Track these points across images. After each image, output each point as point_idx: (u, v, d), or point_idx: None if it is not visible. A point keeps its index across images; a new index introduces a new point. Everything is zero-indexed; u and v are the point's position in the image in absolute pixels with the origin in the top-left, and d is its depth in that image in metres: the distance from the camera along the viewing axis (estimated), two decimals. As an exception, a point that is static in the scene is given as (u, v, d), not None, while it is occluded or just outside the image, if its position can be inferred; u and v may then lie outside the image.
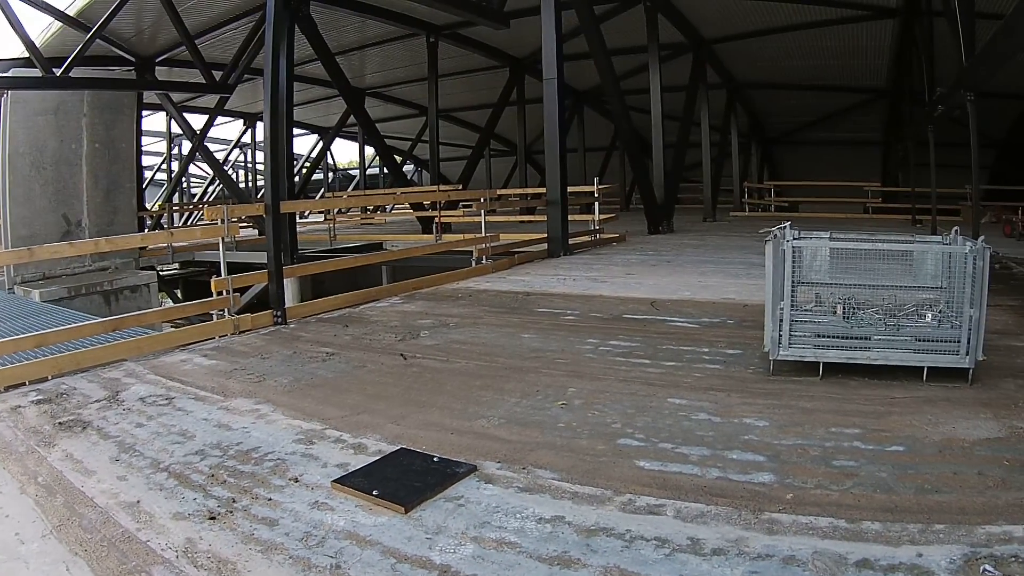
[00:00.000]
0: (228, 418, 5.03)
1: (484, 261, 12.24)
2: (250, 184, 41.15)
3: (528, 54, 25.09)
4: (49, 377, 6.46)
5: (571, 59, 15.86)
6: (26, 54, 16.82)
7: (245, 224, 24.95)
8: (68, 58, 16.71)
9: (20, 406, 5.67)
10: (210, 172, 34.75)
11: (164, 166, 39.78)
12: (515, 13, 16.78)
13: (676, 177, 20.33)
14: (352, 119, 29.12)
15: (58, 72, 16.42)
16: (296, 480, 3.91)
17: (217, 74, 21.22)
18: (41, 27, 20.26)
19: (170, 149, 37.98)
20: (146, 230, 27.03)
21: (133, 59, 22.88)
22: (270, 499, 3.69)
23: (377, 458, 4.14)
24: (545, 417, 4.73)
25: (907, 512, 3.26)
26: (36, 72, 16.58)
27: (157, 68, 23.82)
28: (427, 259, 14.25)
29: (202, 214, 29.20)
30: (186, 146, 32.55)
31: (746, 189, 27.12)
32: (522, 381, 5.57)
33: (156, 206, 31.77)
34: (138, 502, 3.72)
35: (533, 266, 12.65)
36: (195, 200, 41.25)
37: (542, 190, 15.78)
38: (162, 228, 28.12)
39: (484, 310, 8.78)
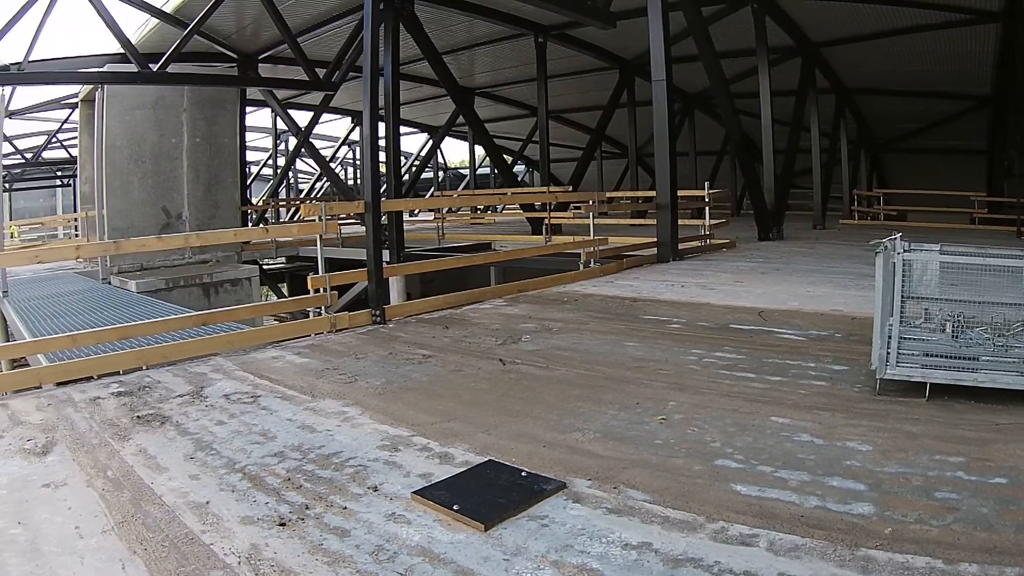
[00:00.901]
0: (313, 419, 4.94)
1: (592, 264, 12.02)
2: (359, 181, 41.68)
3: (637, 55, 24.72)
4: (141, 368, 6.52)
5: (680, 61, 15.66)
6: (122, 50, 17.22)
7: (352, 221, 25.27)
8: (165, 54, 17.05)
9: (99, 398, 5.71)
10: (318, 169, 35.33)
11: (270, 162, 40.74)
12: (622, 14, 16.54)
13: (786, 183, 19.88)
14: (462, 118, 29.14)
15: (154, 68, 16.76)
16: (375, 489, 3.76)
17: (321, 72, 21.43)
18: (137, 24, 20.88)
19: (276, 145, 38.87)
20: (249, 225, 27.71)
21: (235, 56, 23.31)
22: (345, 508, 3.54)
23: (463, 470, 3.96)
24: (642, 432, 4.50)
25: (1006, 554, 2.96)
26: (132, 68, 16.97)
27: (260, 65, 24.25)
28: (535, 260, 14.12)
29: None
30: (293, 142, 33.17)
31: (855, 196, 26.50)
32: (622, 392, 5.35)
33: (260, 201, 32.55)
34: (207, 503, 3.64)
35: (641, 271, 12.40)
36: (301, 196, 42.23)
37: (652, 193, 15.50)
38: (266, 223, 28.83)
39: (589, 315, 8.57)
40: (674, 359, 6.32)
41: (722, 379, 5.63)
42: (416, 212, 31.94)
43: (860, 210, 25.79)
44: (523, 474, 3.86)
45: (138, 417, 5.14)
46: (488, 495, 3.59)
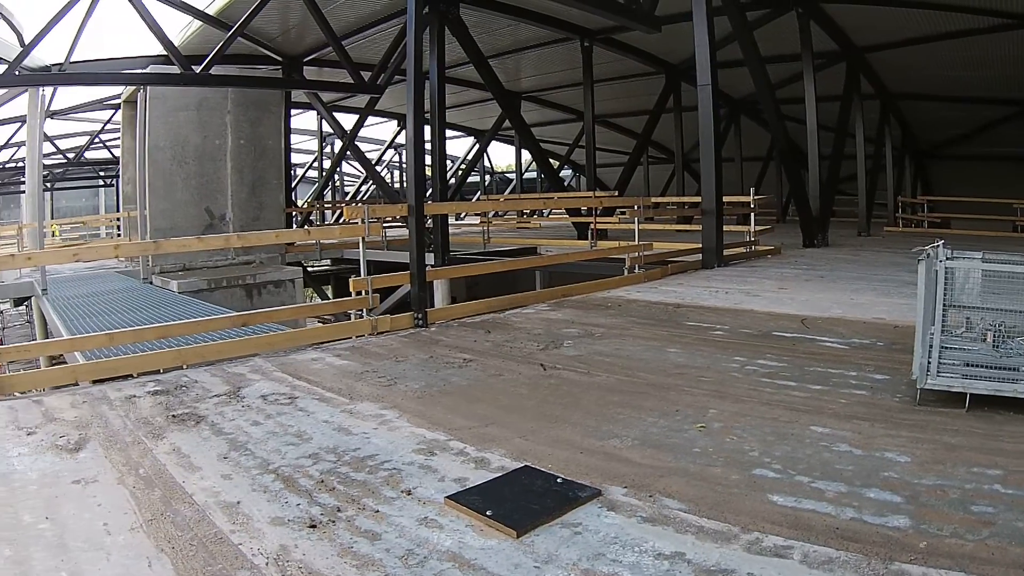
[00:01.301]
0: (350, 422, 4.93)
1: (637, 270, 11.95)
2: (404, 184, 41.65)
3: (683, 60, 24.62)
4: (179, 368, 6.56)
5: (725, 66, 15.53)
6: (164, 52, 17.40)
7: (397, 224, 25.36)
8: (208, 56, 17.21)
9: (135, 396, 5.75)
10: (364, 171, 35.57)
11: (316, 164, 41.09)
12: (668, 19, 16.41)
13: (831, 189, 19.75)
14: (508, 122, 29.14)
15: (197, 70, 16.92)
16: (408, 493, 3.73)
17: (366, 75, 21.52)
18: (179, 26, 21.05)
19: (321, 148, 39.16)
20: (293, 226, 27.94)
21: (280, 59, 23.44)
22: (377, 511, 3.51)
23: (498, 475, 3.92)
24: (681, 440, 4.43)
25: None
26: (174, 69, 17.17)
27: (305, 68, 24.34)
28: (579, 265, 14.04)
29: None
30: (339, 145, 33.40)
31: (900, 203, 26.13)
32: (662, 399, 5.28)
33: (305, 204, 32.80)
34: (238, 503, 3.63)
35: (686, 277, 12.29)
36: (347, 199, 42.50)
37: (697, 199, 15.39)
38: (311, 225, 29.01)
39: (632, 321, 8.50)
40: (716, 366, 6.26)
41: (763, 387, 5.57)
42: (462, 215, 31.95)
43: (904, 217, 25.65)
44: (558, 480, 3.81)
45: (173, 416, 5.16)
46: (522, 501, 3.54)
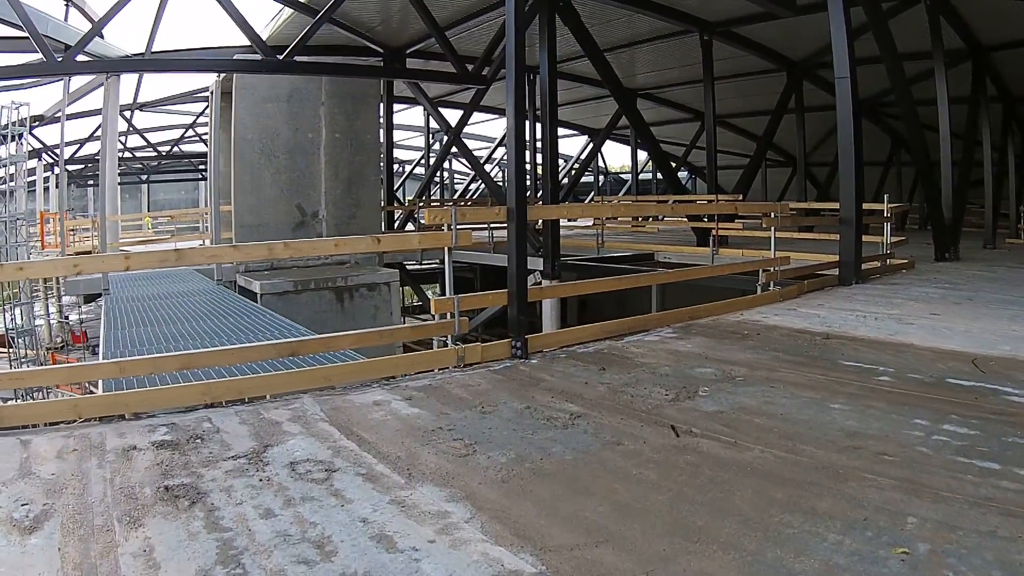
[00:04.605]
0: (398, 524, 3.40)
1: (772, 287, 10.27)
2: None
3: (806, 56, 23.53)
4: (207, 406, 5.22)
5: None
6: (249, 43, 16.78)
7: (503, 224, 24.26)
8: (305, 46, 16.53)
9: (135, 447, 4.47)
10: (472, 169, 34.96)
11: (423, 161, 40.68)
12: (802, 8, 15.36)
13: (964, 199, 18.26)
14: (623, 121, 28.49)
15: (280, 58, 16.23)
16: None
17: (472, 68, 20.74)
18: (268, 17, 20.56)
19: (428, 144, 38.39)
20: (395, 224, 26.98)
21: (381, 50, 22.61)
22: None
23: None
24: (879, 579, 2.89)
25: None
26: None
27: (409, 60, 23.55)
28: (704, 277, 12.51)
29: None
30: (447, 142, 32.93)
31: (1022, 214, 24.72)
32: (841, 495, 3.67)
33: (410, 201, 32.11)
34: None
35: (824, 296, 10.66)
36: (455, 197, 41.79)
37: (825, 205, 13.74)
38: (415, 222, 28.16)
39: (777, 357, 6.84)
40: (895, 434, 4.62)
41: (962, 472, 3.98)
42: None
43: None
44: None
45: (166, 488, 3.80)
46: None
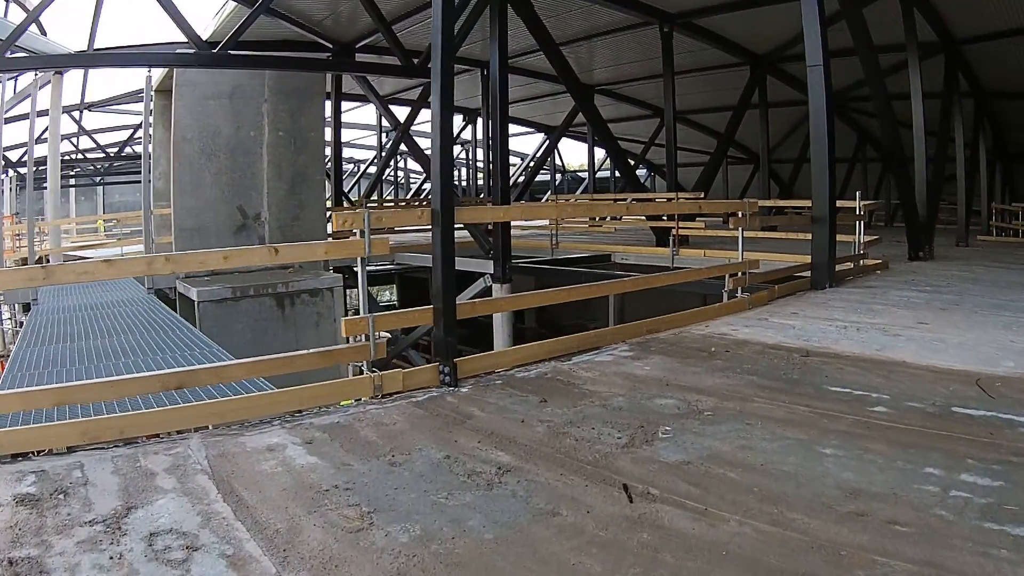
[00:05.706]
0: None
1: (740, 294, 9.67)
2: (471, 182, 41.08)
3: (770, 50, 23.26)
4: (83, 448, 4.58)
5: (800, 59, 13.85)
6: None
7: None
8: (250, 41, 16.06)
9: None
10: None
11: (376, 161, 40.29)
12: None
13: (937, 196, 18.06)
14: (580, 118, 28.24)
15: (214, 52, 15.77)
16: None
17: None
18: (213, 11, 19.94)
19: (380, 143, 37.80)
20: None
21: (330, 45, 22.26)
22: None
23: None
24: None
25: None
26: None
27: (358, 55, 23.12)
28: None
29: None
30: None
31: (994, 211, 25.39)
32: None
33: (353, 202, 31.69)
34: None
35: (798, 302, 10.05)
36: (409, 197, 41.20)
37: (792, 203, 13.28)
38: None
39: (751, 382, 6.07)
40: (904, 490, 3.83)
41: (992, 545, 3.22)
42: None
43: (998, 225, 24.83)
44: None
45: (10, 562, 3.19)
46: None
